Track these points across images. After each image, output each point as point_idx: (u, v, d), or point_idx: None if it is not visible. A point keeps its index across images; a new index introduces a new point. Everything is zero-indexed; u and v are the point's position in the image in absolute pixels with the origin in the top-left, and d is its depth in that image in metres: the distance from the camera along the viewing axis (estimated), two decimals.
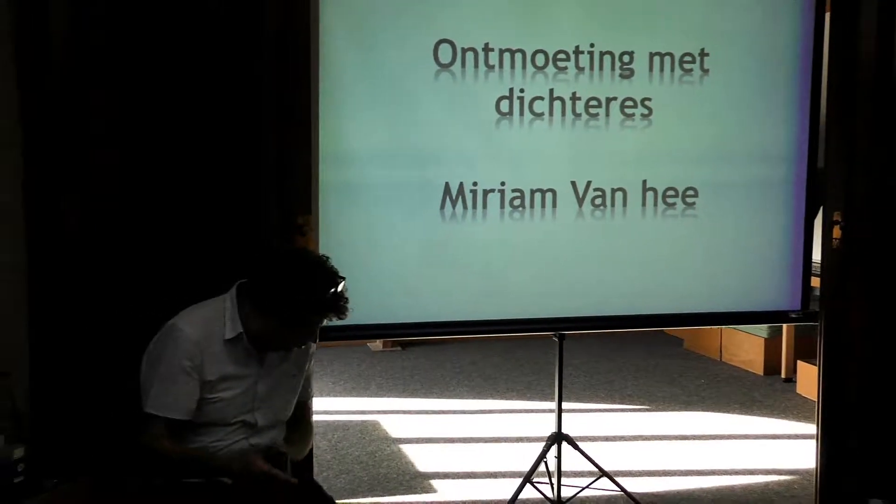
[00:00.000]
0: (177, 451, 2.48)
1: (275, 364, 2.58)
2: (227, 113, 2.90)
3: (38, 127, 2.75)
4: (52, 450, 2.66)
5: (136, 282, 2.87)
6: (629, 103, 3.39)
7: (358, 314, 3.24)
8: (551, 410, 3.74)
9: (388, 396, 5.31)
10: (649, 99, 3.40)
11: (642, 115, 3.40)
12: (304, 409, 2.73)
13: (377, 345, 6.33)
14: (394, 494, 3.88)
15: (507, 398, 5.30)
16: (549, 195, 3.38)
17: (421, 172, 3.25)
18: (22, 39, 2.71)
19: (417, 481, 4.03)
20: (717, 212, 3.50)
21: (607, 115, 3.38)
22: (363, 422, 4.80)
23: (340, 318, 2.48)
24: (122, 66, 2.80)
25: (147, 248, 2.88)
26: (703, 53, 3.43)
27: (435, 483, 4.01)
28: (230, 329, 2.50)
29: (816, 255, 3.59)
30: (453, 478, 4.07)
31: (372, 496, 3.77)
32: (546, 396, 5.14)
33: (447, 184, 3.28)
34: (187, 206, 2.90)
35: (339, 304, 2.46)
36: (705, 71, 3.43)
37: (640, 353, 6.27)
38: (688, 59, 3.42)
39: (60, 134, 2.76)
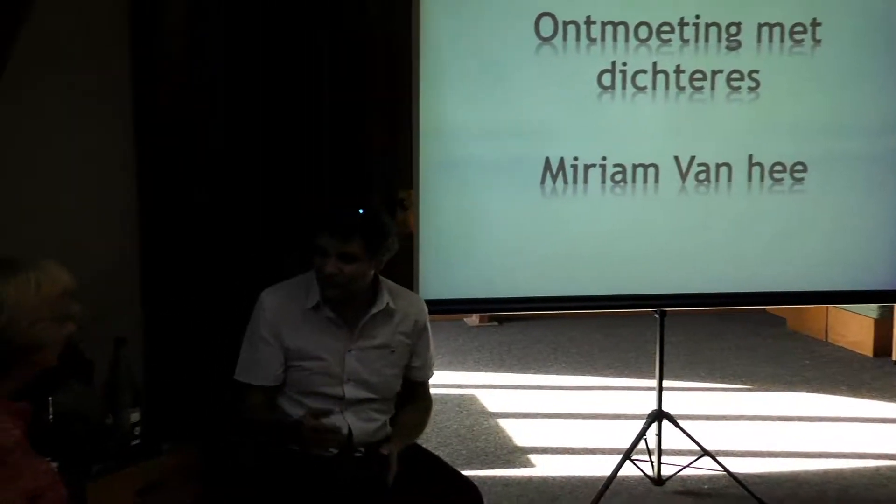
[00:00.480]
0: (271, 423, 2.55)
1: (366, 338, 2.58)
2: (334, 91, 2.95)
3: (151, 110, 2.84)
4: (166, 415, 2.77)
5: (244, 256, 2.96)
6: (736, 76, 3.31)
7: (456, 288, 3.32)
8: (650, 388, 3.71)
9: (485, 371, 5.33)
10: (757, 71, 3.31)
11: (749, 87, 3.32)
12: (418, 389, 2.71)
13: (473, 320, 6.35)
14: (492, 468, 3.90)
15: (604, 375, 5.27)
16: (651, 170, 3.33)
17: (521, 148, 3.25)
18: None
19: (515, 455, 4.05)
20: (828, 187, 3.39)
21: (712, 88, 3.30)
22: (461, 396, 4.84)
23: (337, 238, 2.45)
24: (231, 51, 2.88)
25: (255, 223, 2.96)
26: (814, 23, 3.31)
27: (533, 458, 4.02)
28: (311, 298, 2.56)
29: None
30: (551, 453, 4.07)
31: (470, 469, 3.80)
32: (644, 374, 5.09)
33: (547, 159, 3.26)
34: (294, 181, 2.97)
35: (335, 219, 2.49)
36: (817, 41, 3.32)
37: (741, 332, 6.14)
38: (798, 29, 3.31)
39: (172, 111, 2.85)
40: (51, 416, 2.46)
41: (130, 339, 2.59)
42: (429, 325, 2.70)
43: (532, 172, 3.26)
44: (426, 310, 2.71)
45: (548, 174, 3.27)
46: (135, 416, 2.52)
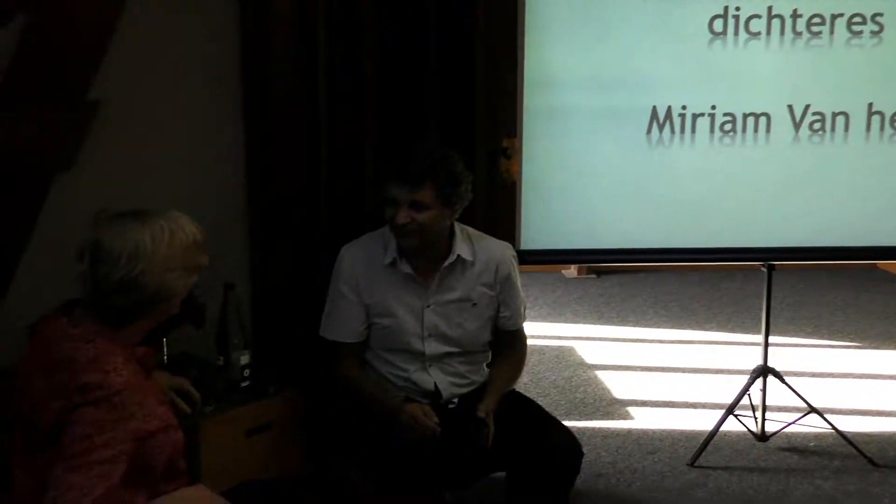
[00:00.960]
0: (364, 389, 2.57)
1: (444, 292, 2.55)
2: (441, 40, 2.95)
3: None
4: (272, 359, 2.83)
5: (346, 205, 2.99)
6: (857, 20, 3.15)
7: (556, 239, 3.28)
8: (752, 343, 3.63)
9: (583, 323, 5.30)
10: (881, 14, 3.14)
11: (872, 32, 3.16)
12: (510, 338, 2.69)
13: (572, 272, 6.30)
14: (591, 419, 3.88)
15: (705, 329, 5.17)
16: (762, 119, 3.22)
17: (627, 96, 3.17)
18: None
19: (614, 408, 4.02)
20: None
21: (831, 32, 3.15)
22: (559, 347, 4.82)
23: (401, 183, 2.42)
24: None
25: (360, 173, 2.99)
26: None
27: (632, 410, 3.99)
28: (388, 254, 2.55)
29: None
30: (651, 406, 4.03)
31: (569, 420, 3.76)
32: (748, 329, 4.98)
33: (654, 108, 3.18)
34: (400, 129, 2.97)
35: (403, 167, 2.43)
36: None
37: (850, 288, 5.93)
38: None
39: (280, 67, 2.88)
40: (165, 358, 2.54)
41: (239, 282, 2.64)
42: (515, 271, 2.65)
43: (638, 122, 3.19)
44: (512, 257, 2.65)
45: (654, 123, 3.19)
46: (244, 359, 2.58)
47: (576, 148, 3.19)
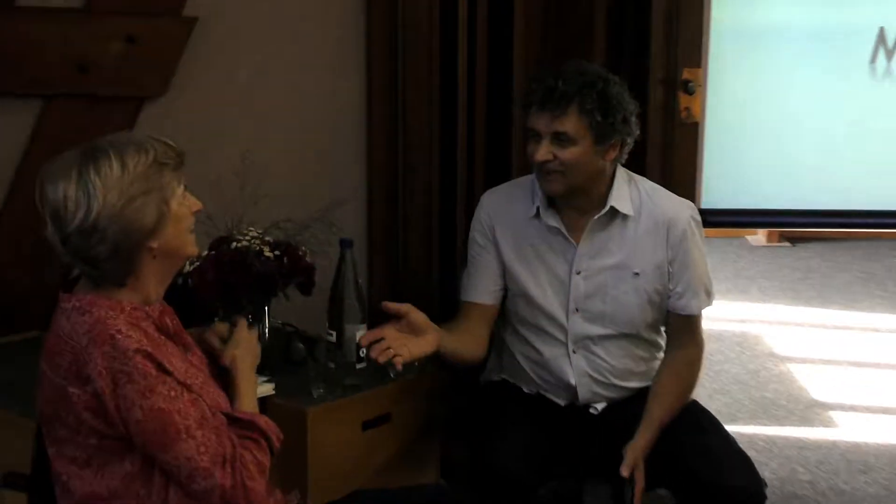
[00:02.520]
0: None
1: (599, 255, 2.47)
2: None
3: None
4: None
5: (492, 147, 3.05)
6: None
7: (743, 195, 3.24)
8: None
9: (774, 303, 5.22)
10: None
11: None
12: (681, 327, 2.52)
13: (760, 238, 6.21)
14: (783, 424, 3.83)
15: None
16: None
17: (844, 14, 3.12)
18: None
19: (813, 411, 3.95)
20: None
21: None
22: (742, 333, 4.77)
23: (535, 107, 2.37)
24: None
25: (508, 106, 3.03)
26: None
27: (837, 416, 3.91)
28: (534, 203, 2.50)
29: None
30: (862, 411, 3.94)
31: (755, 424, 3.75)
32: None
33: (881, 30, 3.12)
34: (565, 56, 2.97)
35: (545, 88, 2.36)
36: None
37: None
38: None
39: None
40: (266, 331, 2.60)
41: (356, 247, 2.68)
42: (696, 237, 2.51)
43: (859, 47, 3.13)
44: (690, 217, 2.50)
45: (880, 50, 3.12)
46: (360, 334, 2.58)
47: (775, 80, 3.16)
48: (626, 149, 2.44)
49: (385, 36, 2.98)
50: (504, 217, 2.55)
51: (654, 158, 2.95)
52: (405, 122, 3.01)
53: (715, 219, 3.17)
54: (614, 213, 2.46)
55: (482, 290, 2.57)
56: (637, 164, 2.62)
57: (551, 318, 2.52)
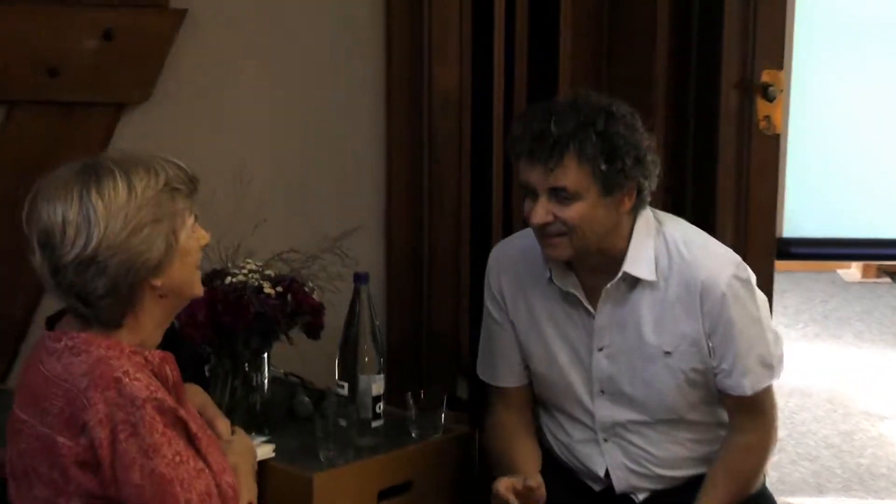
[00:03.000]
0: (493, 447, 2.56)
1: (620, 328, 2.42)
2: None
3: None
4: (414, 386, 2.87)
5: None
6: None
7: (834, 222, 3.21)
8: None
9: (872, 350, 5.21)
10: None
11: None
12: (739, 411, 2.44)
13: (854, 272, 6.19)
14: (881, 497, 3.82)
15: None
16: None
17: None
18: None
19: None
20: None
21: None
22: (833, 387, 4.76)
23: (516, 154, 2.32)
24: None
25: None
26: None
27: None
28: (547, 265, 2.44)
29: None
30: None
31: (847, 496, 3.71)
32: None
33: None
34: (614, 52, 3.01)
35: (531, 130, 2.29)
36: None
37: None
38: None
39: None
40: (265, 382, 2.59)
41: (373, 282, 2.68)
42: (740, 301, 2.38)
43: None
44: (731, 277, 2.37)
45: None
46: (377, 386, 2.59)
47: (874, 86, 3.14)
48: (647, 191, 2.36)
49: (408, 34, 2.99)
50: (514, 282, 2.51)
51: (726, 178, 2.93)
52: (431, 136, 3.01)
53: (799, 250, 3.16)
54: (633, 279, 2.39)
55: (509, 372, 2.57)
56: (706, 187, 2.61)
57: (575, 401, 2.51)
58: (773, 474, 3.03)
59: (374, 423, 2.57)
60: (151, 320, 1.90)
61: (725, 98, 2.97)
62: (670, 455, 2.48)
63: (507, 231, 2.91)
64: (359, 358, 2.55)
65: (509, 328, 2.53)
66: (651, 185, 2.35)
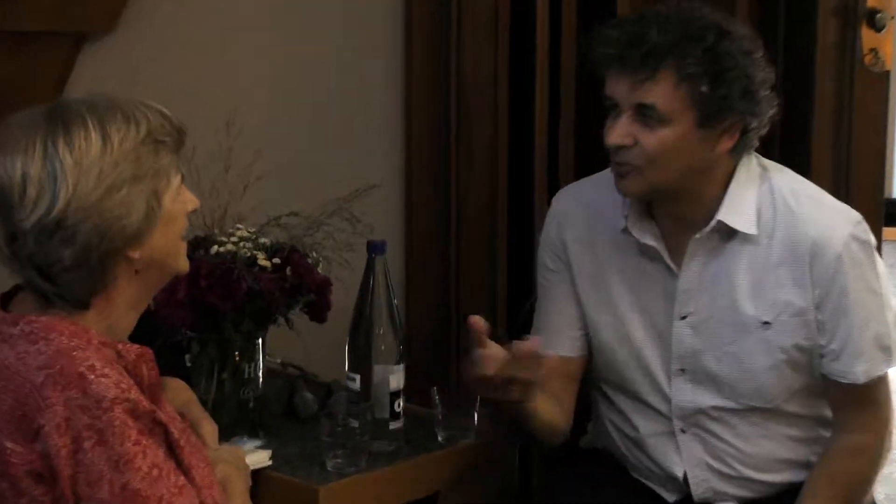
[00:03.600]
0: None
1: (711, 292, 2.42)
2: None
3: None
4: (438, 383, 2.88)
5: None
6: None
7: None
8: None
9: None
10: None
11: None
12: (846, 399, 2.43)
13: None
14: None
15: None
16: None
17: None
18: None
19: None
20: None
21: None
22: None
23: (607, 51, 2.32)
24: None
25: None
26: None
27: None
28: (623, 209, 2.45)
29: None
30: None
31: None
32: None
33: None
34: None
35: (624, 34, 2.31)
36: None
37: None
38: None
39: None
40: (258, 373, 2.60)
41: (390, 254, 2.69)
42: (859, 267, 2.39)
43: None
44: (849, 237, 2.37)
45: None
46: (395, 379, 2.59)
47: None
48: (752, 137, 2.37)
49: None
50: (582, 232, 2.54)
51: (822, 123, 2.94)
52: (459, 75, 3.02)
53: None
54: (728, 230, 2.41)
55: (558, 337, 2.57)
56: (798, 135, 2.59)
57: (648, 381, 2.52)
58: (882, 491, 2.96)
59: (392, 425, 2.57)
60: (125, 301, 1.89)
61: (822, 27, 2.99)
62: (761, 453, 2.49)
63: (553, 191, 2.90)
64: (373, 345, 2.55)
65: (567, 285, 2.56)
66: (761, 127, 2.36)
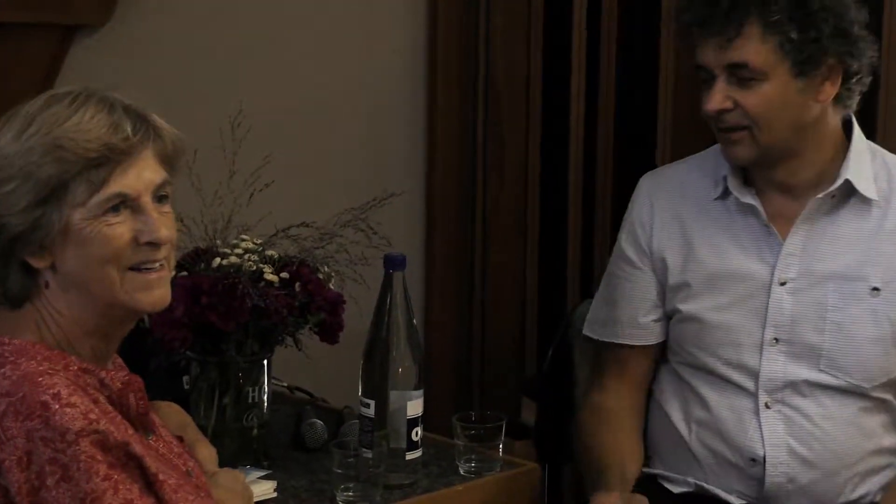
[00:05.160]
0: (584, 439, 2.58)
1: (818, 256, 2.45)
2: None
3: None
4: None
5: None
6: None
7: None
8: None
9: None
10: None
11: None
12: None
13: None
14: None
15: None
16: None
17: None
18: None
19: None
20: None
21: None
22: None
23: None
24: None
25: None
26: None
27: None
28: (718, 177, 2.49)
29: None
30: None
31: None
32: None
33: None
34: None
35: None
36: None
37: None
38: None
39: None
40: (263, 398, 2.57)
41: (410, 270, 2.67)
42: None
43: None
44: None
45: None
46: (414, 406, 2.56)
47: None
48: (857, 81, 2.40)
49: None
50: (670, 205, 2.57)
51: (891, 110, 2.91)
52: (488, 75, 3.02)
53: None
54: (849, 192, 2.43)
55: (635, 324, 2.59)
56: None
57: (735, 351, 2.50)
58: None
59: (410, 455, 2.54)
60: (69, 321, 1.86)
61: None
62: (848, 440, 2.48)
63: (589, 203, 2.90)
64: (390, 369, 2.52)
65: (648, 270, 2.58)
66: (863, 72, 2.38)
